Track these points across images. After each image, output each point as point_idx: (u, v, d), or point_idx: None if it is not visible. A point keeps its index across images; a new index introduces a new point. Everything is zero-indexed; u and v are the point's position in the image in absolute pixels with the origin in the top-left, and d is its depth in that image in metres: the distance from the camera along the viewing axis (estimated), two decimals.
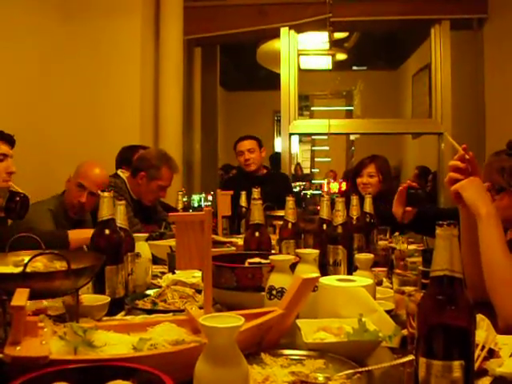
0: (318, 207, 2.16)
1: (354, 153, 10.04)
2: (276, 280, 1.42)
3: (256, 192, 2.25)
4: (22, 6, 3.98)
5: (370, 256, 1.76)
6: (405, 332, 1.29)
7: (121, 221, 1.85)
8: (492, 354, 1.16)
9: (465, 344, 0.86)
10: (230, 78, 8.58)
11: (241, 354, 0.84)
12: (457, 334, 0.86)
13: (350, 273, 1.90)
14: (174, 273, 2.00)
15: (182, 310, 1.58)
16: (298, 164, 10.52)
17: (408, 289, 1.63)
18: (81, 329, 1.09)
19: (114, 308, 1.62)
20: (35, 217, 2.63)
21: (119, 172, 3.39)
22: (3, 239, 1.51)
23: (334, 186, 7.20)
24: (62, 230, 2.47)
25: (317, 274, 1.30)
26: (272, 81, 6.24)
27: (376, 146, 6.05)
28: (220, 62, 6.91)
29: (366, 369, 1.07)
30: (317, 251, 1.59)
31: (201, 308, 1.34)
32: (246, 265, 1.68)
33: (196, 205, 4.89)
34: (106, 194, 1.72)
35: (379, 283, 1.93)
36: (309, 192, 7.84)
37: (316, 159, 11.16)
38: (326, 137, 8.79)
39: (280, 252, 2.10)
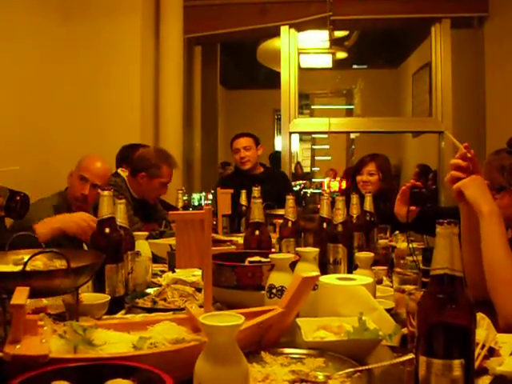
0: (318, 206, 2.15)
1: (354, 151, 10.04)
2: (276, 279, 1.42)
3: (256, 191, 2.25)
4: (22, 6, 3.98)
5: (370, 255, 1.76)
6: (405, 331, 1.29)
7: (121, 219, 1.85)
8: (492, 352, 1.16)
9: (465, 343, 0.86)
10: (231, 77, 8.58)
11: (241, 352, 0.84)
12: (457, 332, 0.86)
13: (350, 271, 1.90)
14: (174, 271, 2.00)
15: (182, 309, 1.58)
16: (299, 163, 10.53)
17: (408, 287, 1.63)
18: (81, 327, 1.09)
19: (114, 307, 1.62)
20: (38, 214, 2.63)
21: (119, 171, 3.39)
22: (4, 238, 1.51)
23: (335, 185, 7.21)
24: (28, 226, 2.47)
25: (317, 273, 1.30)
26: (272, 79, 6.25)
27: (376, 144, 6.05)
28: (220, 61, 6.91)
29: (366, 367, 1.06)
30: (317, 250, 1.59)
31: (201, 307, 1.34)
32: (246, 263, 1.68)
33: (196, 203, 4.89)
34: (105, 192, 1.72)
35: (379, 282, 1.93)
36: (309, 191, 7.85)
37: (316, 158, 11.17)
38: (326, 135, 8.80)
39: (280, 251, 2.10)
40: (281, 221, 2.25)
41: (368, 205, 2.59)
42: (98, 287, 1.66)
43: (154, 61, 5.00)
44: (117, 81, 4.66)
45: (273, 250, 2.17)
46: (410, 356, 1.00)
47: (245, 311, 1.18)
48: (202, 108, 6.24)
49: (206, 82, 6.44)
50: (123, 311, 1.67)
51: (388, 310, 1.45)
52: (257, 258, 1.71)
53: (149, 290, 1.85)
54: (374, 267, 1.85)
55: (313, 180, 9.73)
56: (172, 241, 2.31)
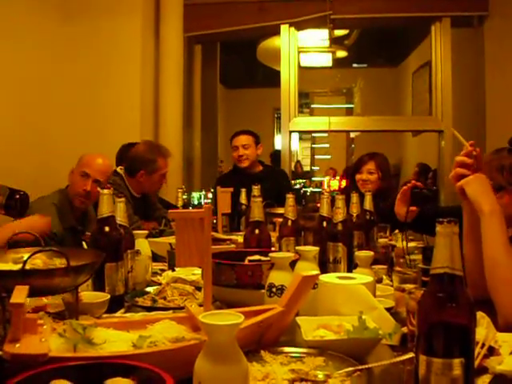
0: (318, 204, 2.15)
1: (354, 150, 10.04)
2: (276, 277, 1.42)
3: (256, 189, 2.25)
4: (22, 6, 3.98)
5: (370, 253, 1.76)
6: (405, 330, 1.29)
7: (120, 218, 1.85)
8: (492, 351, 1.16)
9: (465, 342, 0.86)
10: (230, 76, 8.58)
11: (240, 351, 0.84)
12: (457, 331, 0.86)
13: (349, 270, 1.90)
14: (173, 270, 2.00)
15: (182, 308, 1.58)
16: (298, 161, 10.53)
17: (408, 286, 1.63)
18: (80, 326, 1.09)
19: (114, 305, 1.62)
20: (39, 211, 2.63)
21: (118, 169, 3.40)
22: None
23: (334, 184, 7.21)
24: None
25: (317, 272, 1.30)
26: (272, 78, 6.24)
27: (376, 143, 6.05)
28: (220, 60, 6.91)
29: (366, 366, 1.06)
30: (317, 248, 1.59)
31: (201, 305, 1.34)
32: (246, 262, 1.67)
33: (196, 202, 4.88)
34: (105, 191, 1.72)
35: (379, 281, 1.93)
36: (309, 189, 7.85)
37: (316, 157, 11.17)
38: (326, 134, 8.79)
39: (280, 249, 2.10)
40: (281, 219, 2.25)
41: (368, 204, 2.59)
42: (98, 286, 1.66)
43: (154, 60, 5.00)
44: (117, 80, 4.66)
45: (273, 248, 2.17)
46: (410, 355, 1.00)
47: (245, 310, 1.17)
48: (201, 107, 6.23)
49: (206, 81, 6.44)
50: (123, 310, 1.67)
51: (388, 309, 1.45)
52: (257, 257, 1.71)
53: (148, 289, 1.85)
54: (373, 266, 1.85)
55: (313, 179, 9.73)
56: (172, 239, 2.31)
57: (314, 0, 5.41)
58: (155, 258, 2.28)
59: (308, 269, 1.37)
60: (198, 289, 1.76)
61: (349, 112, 9.83)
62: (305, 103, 9.68)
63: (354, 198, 2.43)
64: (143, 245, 2.07)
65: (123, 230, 1.82)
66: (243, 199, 3.25)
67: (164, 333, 1.12)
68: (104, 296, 1.59)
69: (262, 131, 4.37)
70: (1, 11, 3.74)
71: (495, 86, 5.26)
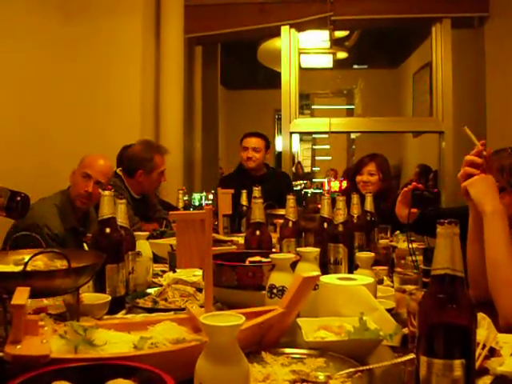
0: (319, 206, 2.15)
1: (354, 151, 10.03)
2: (277, 279, 1.42)
3: (257, 191, 2.25)
4: (22, 5, 3.98)
5: (371, 254, 1.76)
6: (406, 331, 1.28)
7: (121, 219, 1.85)
8: (493, 352, 1.16)
9: (466, 343, 0.86)
10: (231, 77, 8.57)
11: (241, 352, 0.84)
12: (458, 332, 0.86)
13: (350, 271, 1.90)
14: (174, 271, 2.00)
15: (183, 309, 1.58)
16: (299, 163, 10.52)
17: (409, 287, 1.63)
18: (81, 327, 1.09)
19: (115, 307, 1.62)
20: (41, 212, 2.64)
21: (118, 171, 3.40)
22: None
23: (335, 185, 7.20)
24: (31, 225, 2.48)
25: (317, 273, 1.30)
26: (273, 79, 6.24)
27: (377, 144, 6.04)
28: (221, 61, 6.90)
29: (367, 367, 1.06)
30: (317, 250, 1.59)
31: (201, 307, 1.34)
32: (247, 263, 1.67)
33: (197, 203, 4.88)
34: (106, 192, 1.72)
35: (380, 282, 1.94)
36: (309, 191, 7.84)
37: (317, 158, 11.16)
38: (326, 135, 8.79)
39: (281, 251, 2.10)
40: (281, 221, 2.25)
41: (368, 205, 2.59)
42: (99, 287, 1.66)
43: (154, 61, 5.00)
44: (117, 81, 4.66)
45: (273, 249, 2.17)
46: (411, 356, 1.00)
47: (245, 311, 1.17)
48: (202, 108, 6.23)
49: (207, 82, 6.44)
50: (124, 311, 1.67)
51: (389, 310, 1.45)
52: (257, 258, 1.71)
53: (149, 290, 1.85)
54: (374, 267, 1.85)
55: (313, 180, 9.73)
56: (173, 241, 2.31)
57: (314, 1, 5.41)
58: (156, 259, 2.28)
59: (309, 270, 1.37)
60: (199, 290, 1.76)
61: (349, 113, 9.81)
62: (305, 104, 9.67)
63: (355, 199, 2.43)
64: (144, 246, 2.07)
65: (124, 231, 1.82)
66: (244, 200, 3.25)
67: (165, 334, 1.12)
68: (105, 297, 1.59)
69: (262, 132, 4.37)
70: (1, 11, 3.74)
71: (496, 86, 5.26)
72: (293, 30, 5.62)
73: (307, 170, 10.90)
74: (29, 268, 1.27)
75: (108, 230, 1.70)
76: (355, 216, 2.40)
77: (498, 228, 1.56)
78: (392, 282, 1.90)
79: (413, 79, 7.34)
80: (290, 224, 2.11)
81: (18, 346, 0.96)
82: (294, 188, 6.40)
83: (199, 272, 1.87)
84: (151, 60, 4.96)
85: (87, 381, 0.88)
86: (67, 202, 2.79)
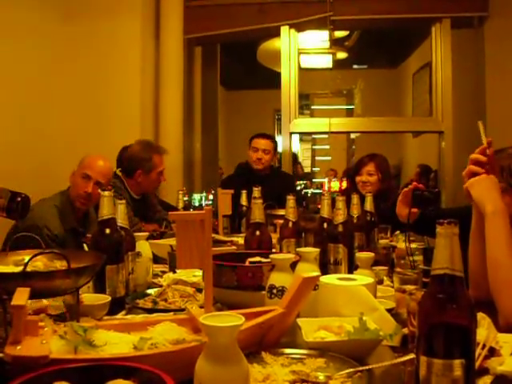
0: (319, 206, 2.15)
1: (354, 151, 10.03)
2: (276, 279, 1.43)
3: (257, 191, 2.25)
4: (22, 6, 3.98)
5: (371, 255, 1.76)
6: (405, 331, 1.28)
7: (121, 220, 1.85)
8: (493, 352, 1.16)
9: (466, 343, 0.86)
10: (231, 77, 8.56)
11: (241, 352, 0.84)
12: (457, 332, 0.86)
13: (350, 271, 1.90)
14: (174, 272, 2.00)
15: (183, 309, 1.58)
16: (299, 163, 10.51)
17: (409, 287, 1.63)
18: (81, 328, 1.09)
19: (115, 307, 1.62)
20: (41, 213, 2.64)
21: (117, 171, 3.40)
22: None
23: (335, 185, 7.20)
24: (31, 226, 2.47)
25: (317, 273, 1.30)
26: (272, 80, 6.23)
27: (376, 144, 6.04)
28: (220, 61, 6.90)
29: (367, 368, 1.07)
30: (317, 250, 1.59)
31: (201, 307, 1.34)
32: (247, 264, 1.67)
33: (197, 204, 4.88)
34: (106, 193, 1.72)
35: (380, 282, 1.93)
36: (309, 191, 7.84)
37: (317, 158, 11.15)
38: (326, 135, 8.79)
39: (280, 251, 2.10)
40: (281, 221, 2.25)
41: (368, 205, 2.59)
42: (99, 288, 1.66)
43: (154, 61, 5.00)
44: (117, 81, 4.66)
45: (273, 250, 2.17)
46: (411, 356, 1.00)
47: (245, 312, 1.17)
48: (202, 108, 6.23)
49: (206, 83, 6.44)
50: (124, 312, 1.67)
51: (389, 310, 1.45)
52: (257, 259, 1.71)
53: (149, 291, 1.85)
54: (374, 267, 1.85)
55: (313, 180, 9.73)
56: (173, 241, 2.31)
57: (314, 1, 5.41)
58: (156, 259, 2.28)
59: (309, 270, 1.37)
60: (199, 290, 1.76)
61: (349, 113, 9.81)
62: (305, 104, 9.66)
63: (355, 199, 2.43)
64: (144, 247, 2.07)
65: (124, 231, 1.82)
66: (244, 201, 3.25)
67: (165, 335, 1.12)
68: (105, 298, 1.59)
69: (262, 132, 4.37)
70: (1, 11, 3.74)
71: (495, 86, 5.26)
72: (292, 30, 5.61)
73: (307, 170, 10.90)
74: (29, 269, 1.27)
75: (108, 231, 1.70)
76: (355, 216, 2.41)
77: (498, 228, 1.56)
78: (392, 282, 1.90)
79: (412, 79, 7.34)
80: (290, 224, 2.11)
81: (18, 347, 0.96)
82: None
83: (199, 272, 1.88)
84: (151, 60, 4.96)
85: (87, 381, 0.88)
86: (67, 203, 2.79)
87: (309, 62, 7.44)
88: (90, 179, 2.76)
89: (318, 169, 10.90)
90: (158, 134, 4.98)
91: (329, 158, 10.29)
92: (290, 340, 1.29)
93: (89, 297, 1.58)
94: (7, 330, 1.14)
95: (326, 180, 8.11)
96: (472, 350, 0.88)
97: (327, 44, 6.93)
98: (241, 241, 2.49)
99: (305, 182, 8.54)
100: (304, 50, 6.80)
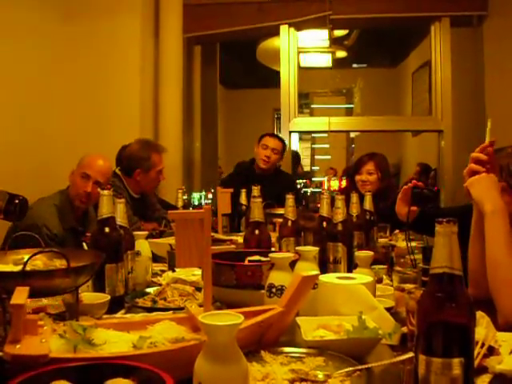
0: (318, 205, 2.15)
1: (354, 150, 10.03)
2: (276, 278, 1.43)
3: (256, 190, 2.25)
4: (22, 5, 3.98)
5: (370, 253, 1.76)
6: (404, 329, 1.29)
7: (120, 219, 1.85)
8: (492, 351, 1.16)
9: (464, 341, 0.86)
10: (230, 76, 8.56)
11: (240, 351, 0.84)
12: (456, 331, 0.86)
13: (349, 270, 1.90)
14: (173, 271, 2.00)
15: (182, 308, 1.58)
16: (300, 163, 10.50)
17: (408, 286, 1.64)
18: (80, 327, 1.09)
19: (114, 306, 1.63)
20: (40, 212, 2.64)
21: (117, 170, 3.40)
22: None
23: (334, 184, 7.20)
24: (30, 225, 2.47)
25: (316, 272, 1.30)
26: (272, 79, 6.24)
27: (376, 143, 6.04)
28: (220, 60, 6.90)
29: (366, 366, 1.07)
30: (316, 249, 1.59)
31: (200, 306, 1.34)
32: (246, 263, 1.68)
33: (196, 203, 4.89)
34: (105, 192, 1.72)
35: (379, 281, 1.94)
36: (309, 190, 7.84)
37: (316, 157, 11.15)
38: (326, 134, 8.79)
39: (280, 250, 2.10)
40: (281, 220, 2.25)
41: (368, 204, 2.59)
42: (98, 287, 1.66)
43: (153, 60, 5.00)
44: (116, 80, 4.66)
45: (272, 249, 2.17)
46: (410, 355, 1.00)
47: (244, 310, 1.18)
48: (201, 107, 6.23)
49: (206, 82, 6.44)
50: (123, 311, 1.67)
51: (388, 309, 1.45)
52: (256, 257, 1.71)
53: (149, 290, 1.85)
54: (373, 266, 1.85)
55: (313, 179, 9.73)
56: (172, 240, 2.31)
57: (313, 0, 5.41)
58: (155, 258, 2.28)
59: (308, 269, 1.38)
60: (198, 289, 1.76)
61: (348, 112, 9.81)
62: (305, 103, 9.66)
63: (354, 198, 2.43)
64: (143, 246, 2.07)
65: (123, 230, 1.82)
66: (243, 200, 3.25)
67: (164, 333, 1.12)
68: (104, 297, 1.59)
69: (261, 132, 4.37)
70: (1, 11, 3.74)
71: (495, 85, 5.26)
72: (292, 29, 5.62)
73: (307, 169, 10.89)
74: (28, 268, 1.28)
75: (107, 230, 1.70)
76: (354, 215, 2.41)
77: (498, 227, 1.56)
78: (391, 280, 1.90)
79: (412, 78, 7.34)
80: (289, 223, 2.11)
81: (18, 346, 0.96)
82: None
83: (198, 271, 1.87)
84: (150, 60, 4.96)
85: (86, 380, 0.88)
86: (66, 202, 2.79)
87: (308, 60, 7.44)
88: (89, 179, 2.76)
89: (318, 168, 10.90)
90: (158, 133, 4.98)
91: (328, 156, 10.29)
92: (289, 339, 1.29)
93: (88, 296, 1.58)
94: (6, 328, 1.14)
95: (325, 179, 8.10)
96: (471, 348, 0.88)
97: (327, 43, 6.94)
98: (240, 240, 2.49)
99: (304, 180, 8.54)
100: (303, 48, 6.80)
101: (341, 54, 7.97)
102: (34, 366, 0.89)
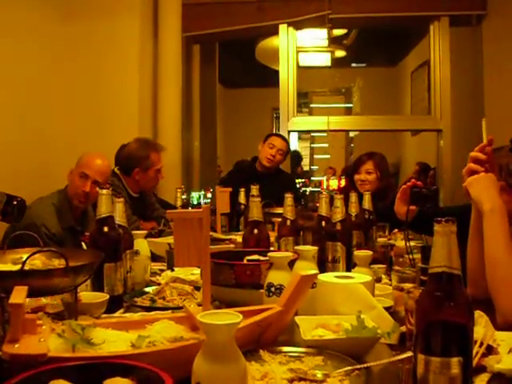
0: (317, 204, 2.15)
1: (353, 150, 10.03)
2: (275, 277, 1.42)
3: (254, 189, 2.25)
4: (22, 5, 3.97)
5: (369, 253, 1.76)
6: (403, 329, 1.29)
7: (119, 218, 1.85)
8: (490, 350, 1.16)
9: (463, 340, 0.86)
10: (229, 75, 8.56)
11: (239, 350, 0.84)
12: (455, 330, 0.86)
13: (348, 270, 1.90)
14: (172, 270, 2.00)
15: (181, 307, 1.58)
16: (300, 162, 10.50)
17: (407, 285, 1.63)
18: (79, 326, 1.09)
19: (113, 305, 1.63)
20: (39, 212, 2.64)
21: (116, 170, 3.40)
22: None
23: (333, 183, 7.20)
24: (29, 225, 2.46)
25: (315, 271, 1.30)
26: (271, 78, 6.24)
27: (375, 142, 6.05)
28: (219, 59, 6.90)
29: (365, 365, 1.07)
30: (315, 248, 1.59)
31: (199, 305, 1.34)
32: (245, 262, 1.68)
33: (195, 202, 4.89)
34: (104, 191, 1.72)
35: (378, 280, 1.94)
36: (308, 189, 7.84)
37: (315, 156, 11.15)
38: (325, 134, 8.79)
39: (279, 249, 2.10)
40: (279, 219, 2.25)
41: (367, 203, 2.59)
42: (97, 286, 1.66)
43: (152, 59, 5.00)
44: (115, 80, 4.65)
45: (271, 248, 2.17)
46: (409, 354, 1.01)
47: (243, 310, 1.18)
48: (200, 106, 6.23)
49: (205, 81, 6.44)
50: (122, 310, 1.67)
51: (387, 308, 1.45)
52: (255, 257, 1.71)
53: (147, 289, 1.85)
54: (372, 265, 1.85)
55: (312, 178, 9.73)
56: (171, 239, 2.31)
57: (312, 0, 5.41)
58: (154, 258, 2.28)
59: (307, 268, 1.37)
60: (197, 288, 1.76)
61: (348, 111, 9.81)
62: (303, 103, 9.66)
63: (353, 197, 2.43)
64: (142, 245, 2.07)
65: (122, 230, 1.82)
66: (242, 199, 3.25)
67: (163, 333, 1.12)
68: (103, 296, 1.59)
69: (260, 131, 4.39)
70: (0, 11, 3.74)
71: (493, 84, 5.26)
72: (291, 29, 5.62)
73: (306, 168, 10.90)
74: (27, 267, 1.27)
75: (106, 229, 1.70)
76: (353, 214, 2.40)
77: (496, 226, 1.56)
78: (390, 280, 1.90)
79: (411, 77, 7.34)
80: (288, 222, 2.11)
81: (16, 345, 0.96)
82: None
83: (197, 271, 1.88)
84: (149, 59, 4.96)
85: (85, 379, 0.88)
86: (65, 202, 2.79)
87: (307, 60, 7.44)
88: (87, 178, 2.75)
89: (317, 167, 10.90)
90: (157, 132, 4.98)
91: (327, 156, 10.30)
92: (288, 338, 1.29)
93: (87, 295, 1.58)
94: (5, 328, 1.14)
95: (324, 178, 8.10)
96: (469, 348, 0.88)
97: (326, 42, 6.94)
98: (239, 239, 2.49)
99: (303, 180, 8.54)
100: (302, 48, 6.80)
101: (340, 53, 7.97)
102: (32, 365, 0.89)
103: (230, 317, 0.84)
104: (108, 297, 1.59)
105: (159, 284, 1.89)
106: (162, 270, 2.17)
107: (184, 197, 3.34)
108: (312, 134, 10.71)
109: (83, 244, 2.18)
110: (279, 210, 2.63)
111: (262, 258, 1.69)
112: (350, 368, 1.05)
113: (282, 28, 5.60)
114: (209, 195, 5.07)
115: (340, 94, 10.30)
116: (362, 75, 9.43)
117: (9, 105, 3.79)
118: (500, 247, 1.54)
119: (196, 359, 0.84)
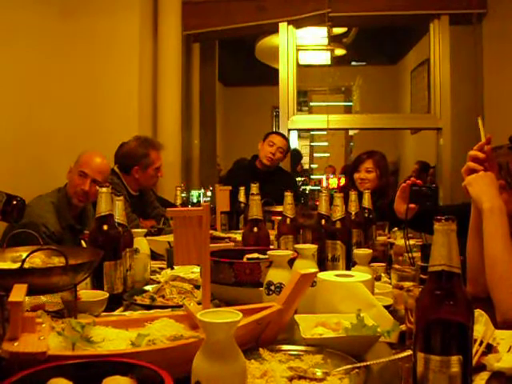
0: (317, 203, 2.15)
1: (352, 148, 10.04)
2: (274, 275, 1.42)
3: (254, 187, 2.25)
4: (21, 3, 3.97)
5: (369, 251, 1.76)
6: (403, 327, 1.29)
7: (119, 216, 1.85)
8: (490, 348, 1.16)
9: (463, 339, 0.86)
10: (229, 74, 8.56)
11: (238, 349, 0.84)
12: (455, 328, 0.86)
13: (348, 268, 1.91)
14: (172, 268, 2.01)
15: (181, 306, 1.58)
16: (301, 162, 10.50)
17: (406, 284, 1.63)
18: (79, 324, 1.09)
19: (113, 304, 1.63)
20: (38, 210, 2.64)
21: (115, 168, 3.40)
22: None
23: (333, 182, 7.20)
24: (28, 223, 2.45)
25: (315, 270, 1.30)
26: (270, 76, 6.23)
27: (375, 141, 6.06)
28: (218, 58, 6.90)
29: (365, 364, 1.07)
30: (315, 246, 1.59)
31: (199, 303, 1.34)
32: (245, 260, 1.68)
33: (195, 200, 4.88)
34: (104, 189, 1.71)
35: (378, 278, 1.94)
36: (308, 187, 7.85)
37: (315, 155, 11.16)
38: (324, 132, 8.79)
39: (278, 247, 2.10)
40: (279, 218, 2.25)
41: (366, 202, 2.59)
42: (97, 284, 1.66)
43: (152, 58, 5.00)
44: (115, 78, 4.65)
45: (271, 246, 2.17)
46: (408, 352, 1.01)
47: (243, 308, 1.18)
48: (200, 105, 6.23)
49: (205, 79, 6.43)
50: (121, 308, 1.67)
51: (386, 307, 1.45)
52: (255, 255, 1.71)
53: (147, 287, 1.85)
54: (372, 264, 1.85)
55: (311, 177, 9.73)
56: (170, 238, 2.31)
57: None
58: (154, 256, 2.28)
59: (306, 267, 1.37)
60: (197, 287, 1.76)
61: (347, 110, 9.81)
62: (303, 101, 9.66)
63: (353, 195, 2.43)
64: (142, 243, 2.07)
65: (122, 228, 1.82)
66: (242, 197, 3.25)
67: (162, 331, 1.12)
68: (103, 294, 1.59)
69: (260, 129, 4.38)
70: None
71: (493, 83, 5.26)
72: (291, 27, 5.61)
73: (305, 166, 10.90)
74: (26, 265, 1.27)
75: (105, 227, 1.70)
76: (353, 213, 2.41)
77: (496, 225, 1.56)
78: (389, 278, 1.90)
79: (411, 76, 7.34)
80: (288, 221, 2.11)
81: (16, 343, 0.95)
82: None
83: (197, 269, 1.88)
84: (149, 57, 4.96)
85: (85, 378, 0.88)
86: (64, 200, 2.79)
87: (307, 58, 7.44)
88: (86, 177, 2.75)
89: (317, 165, 10.90)
90: (156, 131, 4.98)
91: (327, 154, 10.30)
92: (288, 336, 1.29)
93: (87, 293, 1.58)
94: (5, 326, 1.14)
95: (324, 177, 8.10)
96: (469, 346, 0.88)
97: (325, 40, 6.94)
98: (239, 237, 2.48)
99: (303, 178, 8.54)
100: (302, 46, 6.80)
101: (340, 51, 7.97)
102: (32, 363, 0.89)
103: (229, 315, 0.84)
104: (108, 295, 1.59)
105: (159, 282, 1.89)
106: (162, 269, 2.17)
107: (183, 195, 3.34)
108: (312, 133, 10.71)
109: (83, 242, 2.18)
110: (279, 209, 2.63)
111: (261, 256, 1.69)
112: (349, 366, 1.05)
113: (282, 26, 5.59)
114: (208, 193, 5.07)
115: (340, 92, 10.30)
116: (362, 74, 9.43)
117: (8, 103, 3.78)
118: (499, 246, 1.54)
119: (196, 357, 0.84)
